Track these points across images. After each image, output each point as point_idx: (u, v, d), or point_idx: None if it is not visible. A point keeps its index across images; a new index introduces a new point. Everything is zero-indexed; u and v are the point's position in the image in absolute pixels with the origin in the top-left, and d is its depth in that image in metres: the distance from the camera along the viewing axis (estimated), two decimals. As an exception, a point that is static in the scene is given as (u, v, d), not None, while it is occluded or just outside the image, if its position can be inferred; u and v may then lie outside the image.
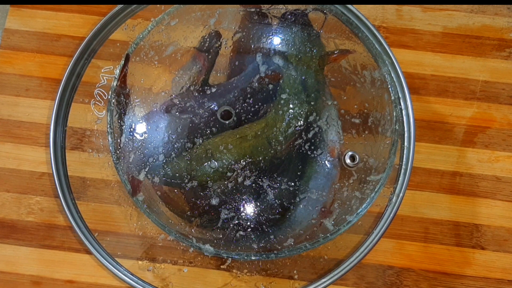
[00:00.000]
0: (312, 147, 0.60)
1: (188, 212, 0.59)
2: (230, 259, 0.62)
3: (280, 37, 0.56)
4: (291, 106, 0.56)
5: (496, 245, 0.64)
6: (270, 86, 0.59)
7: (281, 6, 0.59)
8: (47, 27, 0.71)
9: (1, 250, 0.63)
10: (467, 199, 0.65)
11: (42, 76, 0.69)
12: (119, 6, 0.59)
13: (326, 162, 0.59)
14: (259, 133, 0.57)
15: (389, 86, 0.57)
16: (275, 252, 0.54)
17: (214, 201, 0.56)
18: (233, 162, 0.57)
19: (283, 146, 0.57)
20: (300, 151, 0.60)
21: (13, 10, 0.71)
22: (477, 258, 0.63)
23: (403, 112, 0.57)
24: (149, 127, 0.59)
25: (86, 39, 0.59)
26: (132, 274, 0.57)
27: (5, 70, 0.69)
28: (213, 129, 0.59)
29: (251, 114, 0.60)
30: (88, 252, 0.63)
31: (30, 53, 0.70)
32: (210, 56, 0.60)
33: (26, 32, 0.71)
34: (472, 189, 0.65)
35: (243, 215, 0.59)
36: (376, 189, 0.55)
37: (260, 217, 0.59)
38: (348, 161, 0.58)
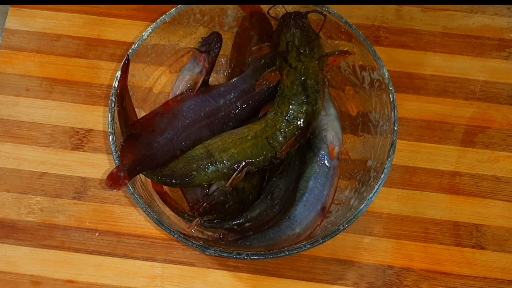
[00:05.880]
0: (312, 147, 0.60)
1: (188, 212, 0.59)
2: (230, 259, 0.62)
3: (280, 38, 0.56)
4: (290, 106, 0.56)
5: (496, 245, 0.64)
6: (270, 86, 0.59)
7: (280, 7, 0.59)
8: (47, 27, 0.71)
9: (1, 250, 0.63)
10: (467, 199, 0.65)
11: (42, 76, 0.69)
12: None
13: (326, 162, 0.59)
14: (259, 133, 0.57)
15: (388, 87, 0.57)
16: (275, 252, 0.54)
17: (214, 201, 0.56)
18: (233, 162, 0.57)
19: (283, 146, 0.57)
20: (300, 151, 0.60)
21: (13, 10, 0.71)
22: (477, 258, 0.63)
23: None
24: (149, 128, 0.58)
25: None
26: None
27: (5, 70, 0.69)
28: (213, 129, 0.59)
29: (251, 114, 0.60)
30: (88, 252, 0.63)
31: (30, 53, 0.70)
32: (210, 57, 0.60)
33: (26, 32, 0.71)
34: (472, 189, 0.65)
35: (243, 215, 0.59)
36: (375, 189, 0.55)
37: (260, 217, 0.59)
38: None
